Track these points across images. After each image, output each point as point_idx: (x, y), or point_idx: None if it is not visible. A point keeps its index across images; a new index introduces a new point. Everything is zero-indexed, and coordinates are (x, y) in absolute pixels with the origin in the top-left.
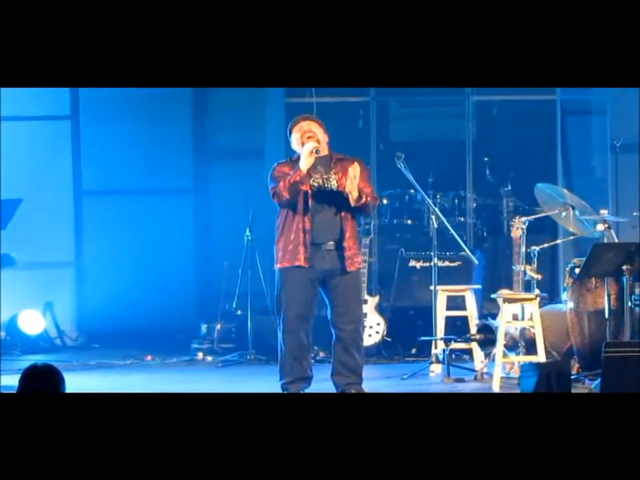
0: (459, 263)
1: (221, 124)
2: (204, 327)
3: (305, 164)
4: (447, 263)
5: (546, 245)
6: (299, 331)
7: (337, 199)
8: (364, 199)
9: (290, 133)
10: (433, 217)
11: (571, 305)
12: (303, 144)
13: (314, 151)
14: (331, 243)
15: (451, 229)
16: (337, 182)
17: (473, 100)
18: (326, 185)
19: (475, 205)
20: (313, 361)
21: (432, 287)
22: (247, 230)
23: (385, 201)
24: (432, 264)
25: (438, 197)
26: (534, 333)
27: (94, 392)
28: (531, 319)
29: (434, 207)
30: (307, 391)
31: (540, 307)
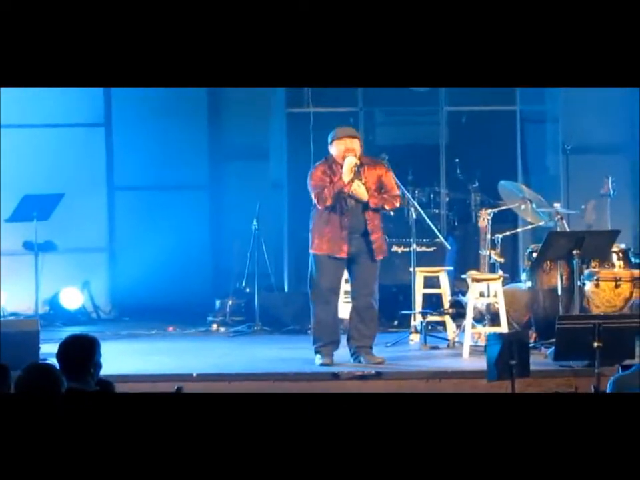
0: (434, 248)
1: (232, 131)
2: (218, 303)
3: (346, 177)
4: (423, 248)
5: (508, 233)
6: (331, 302)
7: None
8: (375, 203)
9: (331, 142)
10: (412, 208)
11: (529, 283)
12: (343, 157)
13: (354, 167)
14: (357, 234)
15: (427, 219)
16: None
17: (446, 110)
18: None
19: (447, 198)
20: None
21: (411, 269)
22: (254, 220)
23: None
24: (411, 249)
25: (416, 191)
26: (498, 308)
27: (93, 391)
28: (495, 295)
29: (413, 200)
30: (335, 353)
31: (503, 285)
